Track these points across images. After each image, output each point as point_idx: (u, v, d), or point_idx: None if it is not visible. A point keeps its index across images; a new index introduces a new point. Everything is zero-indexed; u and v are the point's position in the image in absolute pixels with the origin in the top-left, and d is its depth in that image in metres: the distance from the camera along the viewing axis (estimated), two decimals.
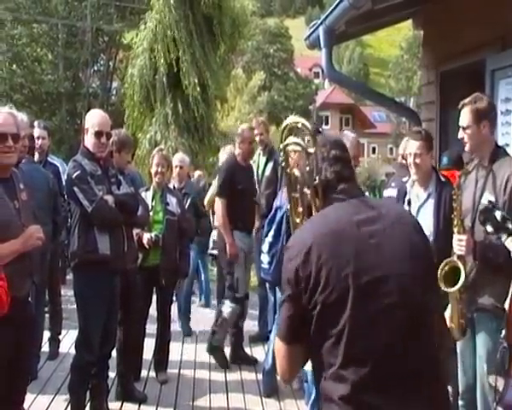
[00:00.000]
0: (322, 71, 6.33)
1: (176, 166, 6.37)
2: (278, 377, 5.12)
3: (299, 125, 2.02)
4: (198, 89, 12.72)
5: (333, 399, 1.66)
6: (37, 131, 5.52)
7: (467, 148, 3.30)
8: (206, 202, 6.93)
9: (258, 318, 6.44)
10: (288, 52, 44.57)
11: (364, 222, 1.74)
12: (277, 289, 5.08)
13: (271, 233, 4.76)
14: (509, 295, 2.74)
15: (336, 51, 58.85)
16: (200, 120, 13.13)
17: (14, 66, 26.36)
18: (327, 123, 46.70)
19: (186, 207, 5.98)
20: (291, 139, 2.06)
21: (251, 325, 6.63)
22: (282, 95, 41.20)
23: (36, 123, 5.64)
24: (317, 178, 1.86)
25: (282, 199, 4.87)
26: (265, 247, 4.81)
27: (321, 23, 5.76)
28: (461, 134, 3.27)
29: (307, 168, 1.90)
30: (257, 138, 6.26)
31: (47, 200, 4.83)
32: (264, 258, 4.82)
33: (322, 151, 1.89)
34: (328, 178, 1.85)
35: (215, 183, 6.43)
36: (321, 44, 5.78)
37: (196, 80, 12.71)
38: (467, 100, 3.27)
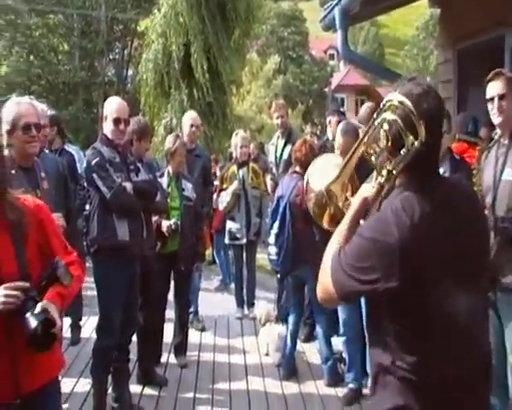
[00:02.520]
0: (338, 52, 6.28)
1: (191, 126, 6.08)
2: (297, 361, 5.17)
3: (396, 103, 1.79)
4: (207, 75, 12.66)
5: None
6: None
7: (497, 120, 3.18)
8: (222, 207, 6.73)
9: (276, 301, 6.46)
10: (303, 35, 44.17)
11: None
12: (289, 277, 5.12)
13: (276, 224, 4.82)
14: None
15: (351, 32, 57.97)
16: (213, 106, 13.10)
17: (32, 57, 26.57)
18: (342, 105, 46.22)
19: (197, 172, 5.89)
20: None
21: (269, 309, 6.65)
22: (298, 78, 40.88)
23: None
24: None
25: (283, 188, 4.88)
26: (272, 238, 4.85)
27: (336, 4, 5.72)
28: (494, 106, 3.14)
29: None
30: (278, 121, 6.28)
31: (58, 185, 4.78)
32: (272, 249, 4.87)
33: None
34: None
35: (234, 185, 6.44)
36: (336, 26, 5.73)
37: (206, 67, 12.66)
38: (496, 71, 3.19)
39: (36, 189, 3.38)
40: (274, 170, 6.37)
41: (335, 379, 4.85)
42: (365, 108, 5.56)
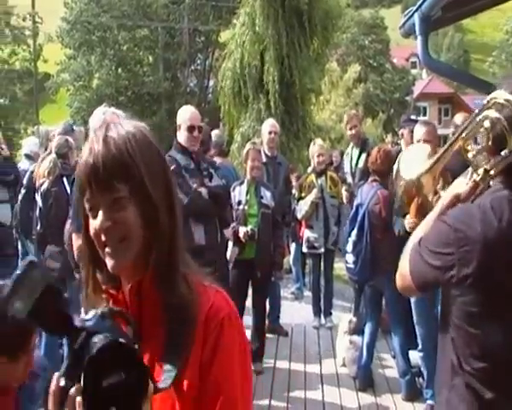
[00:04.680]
0: (420, 60, 6.14)
1: (270, 133, 6.09)
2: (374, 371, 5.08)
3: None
4: (277, 86, 12.73)
5: None
6: None
7: None
8: (300, 216, 6.69)
9: (354, 311, 6.38)
10: (384, 43, 43.50)
11: None
12: (366, 287, 5.06)
13: (354, 232, 4.79)
14: None
15: (434, 39, 56.65)
16: (291, 115, 13.15)
17: (120, 70, 27.83)
18: (425, 114, 45.18)
19: (281, 180, 5.98)
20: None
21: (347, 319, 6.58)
22: (378, 87, 40.24)
23: None
24: None
25: (362, 196, 4.84)
26: (349, 246, 4.83)
27: (416, 9, 5.58)
28: None
29: None
30: (351, 132, 6.26)
31: None
32: (349, 258, 4.84)
33: None
34: None
35: (313, 194, 6.43)
36: (416, 32, 5.60)
37: (277, 77, 12.71)
38: None
39: None
40: (349, 179, 6.35)
41: (413, 394, 4.72)
42: (459, 116, 5.40)
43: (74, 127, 8.55)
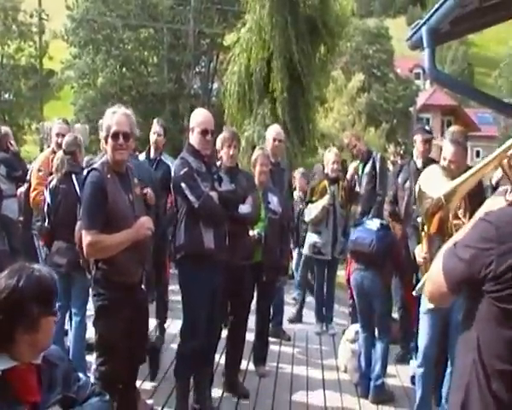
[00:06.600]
0: (424, 72, 6.21)
1: (274, 140, 5.87)
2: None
3: None
4: (285, 93, 12.76)
5: None
6: (154, 127, 5.79)
7: None
8: (309, 219, 6.64)
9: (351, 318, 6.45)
10: (388, 53, 43.55)
11: None
12: (357, 299, 5.13)
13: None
14: None
15: (439, 51, 56.67)
16: (296, 121, 13.18)
17: (124, 69, 27.84)
18: (428, 125, 45.24)
19: (286, 186, 6.05)
20: None
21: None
22: (382, 96, 40.30)
23: (155, 120, 5.95)
24: None
25: None
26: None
27: (424, 23, 5.63)
28: None
29: None
30: (354, 151, 6.90)
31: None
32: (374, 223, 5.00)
33: None
34: None
35: (326, 200, 6.45)
36: (424, 45, 5.64)
37: (285, 85, 12.75)
38: None
39: (128, 193, 3.57)
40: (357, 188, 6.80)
41: (380, 397, 4.85)
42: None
43: (78, 125, 8.61)
